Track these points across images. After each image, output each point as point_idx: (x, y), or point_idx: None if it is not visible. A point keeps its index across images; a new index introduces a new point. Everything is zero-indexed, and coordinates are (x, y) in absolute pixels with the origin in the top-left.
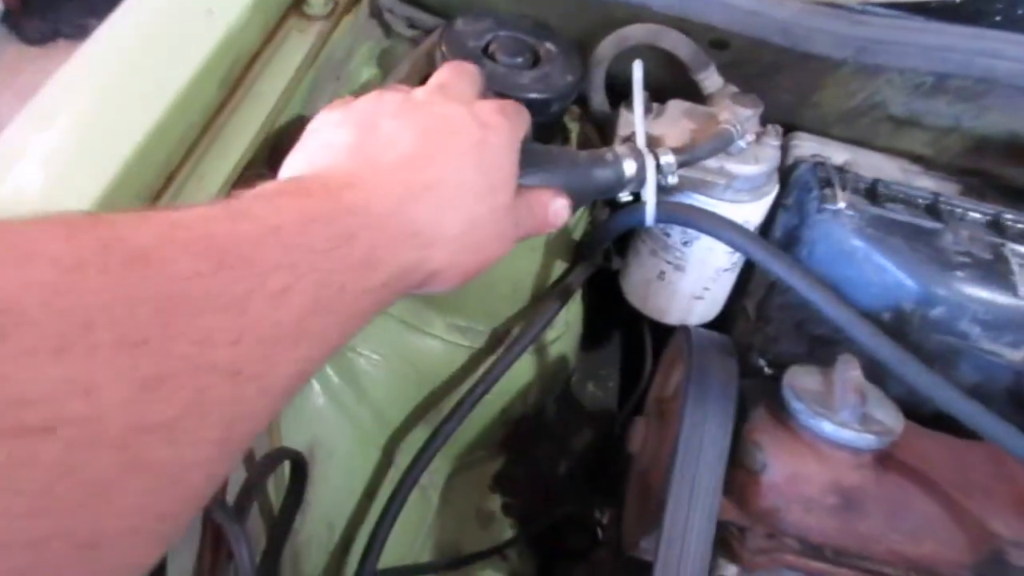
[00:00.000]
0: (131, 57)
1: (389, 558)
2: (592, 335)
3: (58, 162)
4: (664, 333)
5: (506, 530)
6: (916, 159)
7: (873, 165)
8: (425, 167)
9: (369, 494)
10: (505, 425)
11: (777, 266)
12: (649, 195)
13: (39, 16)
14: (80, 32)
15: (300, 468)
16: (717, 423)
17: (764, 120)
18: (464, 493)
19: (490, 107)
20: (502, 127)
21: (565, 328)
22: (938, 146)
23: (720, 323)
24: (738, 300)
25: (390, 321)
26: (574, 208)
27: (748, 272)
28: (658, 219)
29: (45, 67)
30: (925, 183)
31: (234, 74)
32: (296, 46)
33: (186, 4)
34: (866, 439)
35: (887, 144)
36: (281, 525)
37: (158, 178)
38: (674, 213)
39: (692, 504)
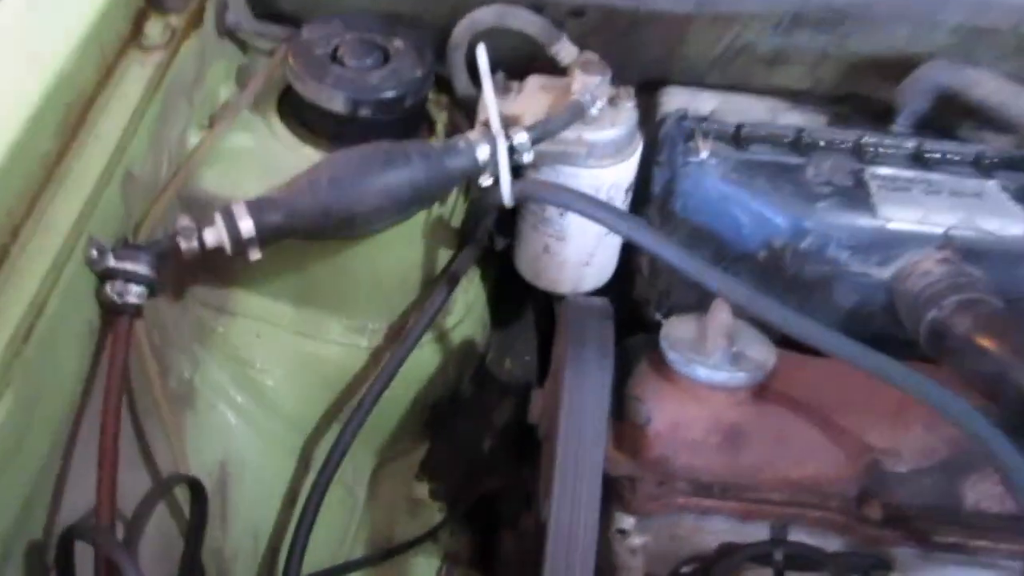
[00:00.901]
0: None
1: (319, 559)
2: (505, 312)
3: None
4: None
5: (436, 514)
6: (794, 95)
7: (742, 109)
8: None
9: (291, 500)
10: (422, 413)
11: (623, 226)
12: (503, 176)
13: None
14: None
15: (198, 491)
16: (594, 383)
17: (636, 78)
18: (391, 485)
19: None
20: None
21: (466, 311)
22: (813, 78)
23: (619, 284)
24: (633, 260)
25: (286, 335)
26: (433, 201)
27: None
28: (515, 198)
29: None
30: (793, 119)
31: (71, 119)
32: (135, 79)
33: (6, 53)
34: (738, 377)
35: (765, 84)
36: (190, 548)
37: (2, 233)
38: (528, 190)
39: (579, 463)
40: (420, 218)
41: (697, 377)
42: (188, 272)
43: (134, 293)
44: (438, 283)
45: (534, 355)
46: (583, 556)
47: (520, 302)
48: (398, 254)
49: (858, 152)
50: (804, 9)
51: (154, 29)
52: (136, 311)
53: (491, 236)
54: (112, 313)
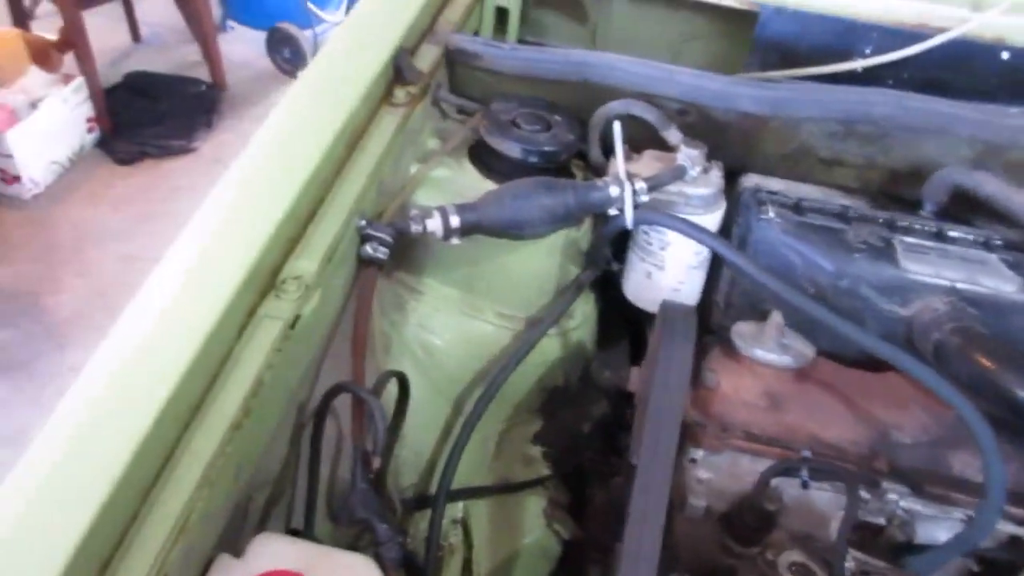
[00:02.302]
0: (291, 135)
1: (459, 483)
2: (608, 336)
3: (255, 201)
4: None
5: (544, 470)
6: (848, 191)
7: (802, 191)
8: None
9: (445, 433)
10: (541, 394)
11: (718, 246)
12: (627, 206)
13: (127, 139)
14: (163, 151)
15: (404, 385)
16: (681, 356)
17: (721, 164)
18: (513, 444)
19: None
20: None
21: (582, 320)
22: (863, 179)
23: (699, 313)
24: (710, 295)
25: (455, 312)
26: (574, 222)
27: (716, 272)
28: (636, 222)
29: (133, 183)
30: (840, 200)
31: (353, 140)
32: (388, 123)
33: (323, 99)
34: (785, 360)
35: (823, 180)
36: (395, 420)
37: (315, 202)
38: (647, 215)
39: (665, 411)
40: (560, 237)
41: (754, 356)
42: (394, 260)
43: (380, 252)
44: (567, 290)
45: (627, 369)
46: (663, 474)
47: (619, 327)
48: (542, 262)
49: (890, 225)
50: (848, 119)
51: (400, 93)
52: (380, 265)
53: (608, 260)
54: (365, 264)
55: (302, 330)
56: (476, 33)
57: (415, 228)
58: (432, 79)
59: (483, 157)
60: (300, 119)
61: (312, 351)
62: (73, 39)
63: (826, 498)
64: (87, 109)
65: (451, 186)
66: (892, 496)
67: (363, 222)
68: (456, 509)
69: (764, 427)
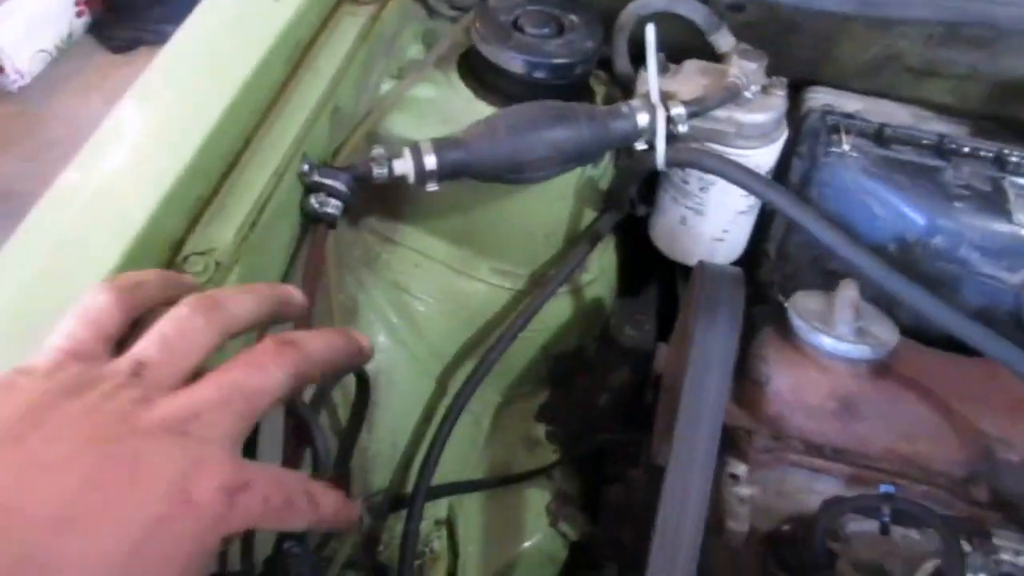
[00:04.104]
0: (209, 45)
1: (444, 476)
2: (630, 284)
3: (146, 141)
4: None
5: (551, 455)
6: (940, 108)
7: (885, 112)
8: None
9: (426, 418)
10: (548, 361)
11: (773, 195)
12: (659, 141)
13: (123, 25)
14: (161, 38)
15: (363, 381)
16: (724, 338)
17: (786, 77)
18: (512, 422)
19: (211, 472)
20: (205, 514)
21: (599, 272)
22: (959, 93)
23: (744, 265)
24: (760, 244)
25: (440, 268)
26: (591, 159)
27: (768, 217)
28: (668, 162)
29: (129, 72)
30: (935, 126)
31: (296, 55)
32: (349, 28)
33: None
34: (861, 350)
35: (910, 94)
36: (351, 427)
37: (238, 141)
38: (683, 156)
39: (701, 409)
40: (574, 177)
41: (820, 346)
42: (364, 203)
43: (332, 205)
44: (581, 240)
45: (654, 325)
46: (698, 492)
47: (645, 276)
48: (550, 208)
49: (999, 162)
50: (962, 20)
51: None
52: (331, 221)
53: (633, 203)
54: (313, 220)
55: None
56: None
57: (378, 172)
58: None
59: (476, 71)
60: (221, 26)
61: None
62: None
63: (908, 543)
64: None
65: (435, 110)
66: (1006, 556)
67: (307, 167)
68: (439, 509)
69: (830, 437)
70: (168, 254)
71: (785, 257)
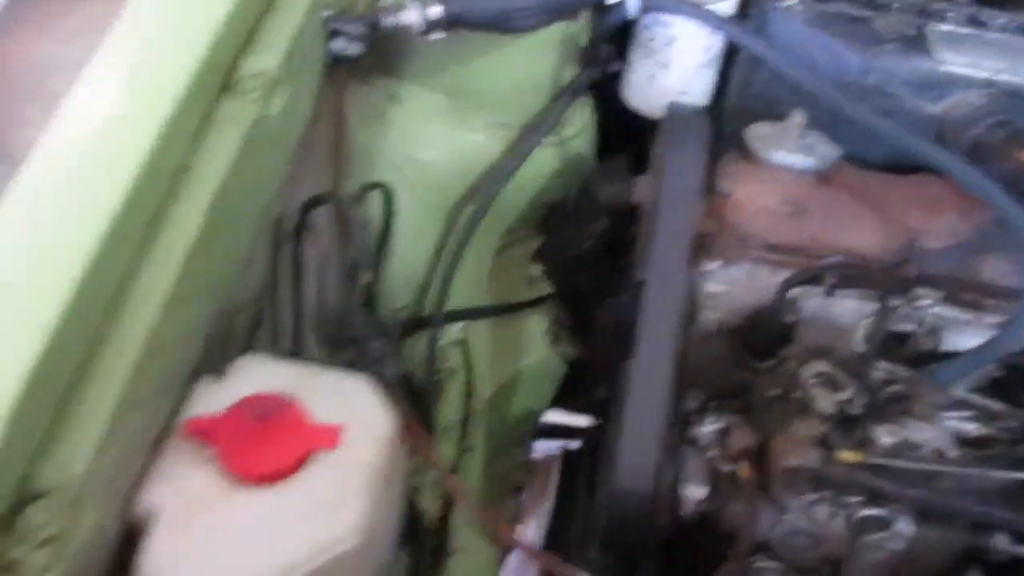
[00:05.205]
0: None
1: (456, 304)
2: (607, 148)
3: None
4: None
5: (547, 289)
6: None
7: None
8: None
9: (437, 254)
10: (539, 209)
11: (733, 30)
12: None
13: None
14: None
15: (389, 197)
16: (692, 161)
17: None
18: (512, 263)
19: None
20: None
21: (581, 127)
22: None
23: None
24: (719, 100)
25: (441, 121)
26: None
27: (726, 75)
28: (642, 8)
29: (88, 12)
30: None
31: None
32: None
33: None
34: (807, 161)
35: None
36: (383, 235)
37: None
38: (654, 1)
39: (676, 219)
40: (557, 31)
41: (774, 160)
42: (372, 65)
43: (353, 47)
44: (563, 93)
45: (628, 183)
46: (676, 290)
47: (618, 138)
48: (536, 60)
49: (923, 12)
50: None
51: None
52: (351, 63)
53: (609, 58)
54: (336, 62)
55: (270, 135)
56: None
57: (387, 21)
58: None
59: None
60: None
61: (282, 160)
62: None
63: (849, 307)
64: None
65: None
66: (924, 302)
67: (329, 14)
68: (454, 331)
69: (785, 236)
70: (226, 77)
71: (744, 110)
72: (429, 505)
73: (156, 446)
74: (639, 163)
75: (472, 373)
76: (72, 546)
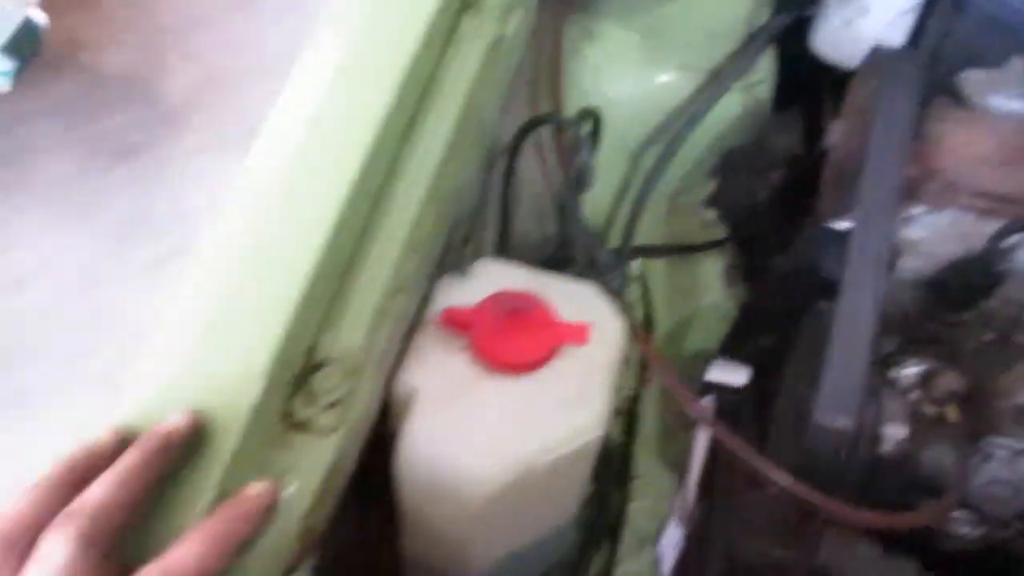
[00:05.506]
0: None
1: (635, 242)
2: (783, 98)
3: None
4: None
5: (722, 232)
6: None
7: None
8: None
9: (621, 191)
10: (717, 154)
11: None
12: None
13: None
14: None
15: (597, 122)
16: (903, 102)
17: None
18: (689, 206)
19: None
20: None
21: (767, 74)
22: None
23: None
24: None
25: (633, 61)
26: None
27: (921, 25)
28: None
29: None
30: None
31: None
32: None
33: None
34: None
35: None
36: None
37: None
38: None
39: (886, 163)
40: None
41: (990, 105)
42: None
43: None
44: (755, 37)
45: (803, 135)
46: (884, 236)
47: (794, 88)
48: (730, 4)
49: None
50: None
51: None
52: None
53: (801, 5)
54: None
55: (503, 54)
56: None
57: None
58: None
59: None
60: None
61: (507, 80)
62: None
63: None
64: None
65: None
66: None
67: None
68: (633, 268)
69: (998, 184)
70: None
71: (943, 60)
72: (613, 430)
73: (412, 333)
74: (813, 119)
75: (651, 308)
76: (353, 412)
